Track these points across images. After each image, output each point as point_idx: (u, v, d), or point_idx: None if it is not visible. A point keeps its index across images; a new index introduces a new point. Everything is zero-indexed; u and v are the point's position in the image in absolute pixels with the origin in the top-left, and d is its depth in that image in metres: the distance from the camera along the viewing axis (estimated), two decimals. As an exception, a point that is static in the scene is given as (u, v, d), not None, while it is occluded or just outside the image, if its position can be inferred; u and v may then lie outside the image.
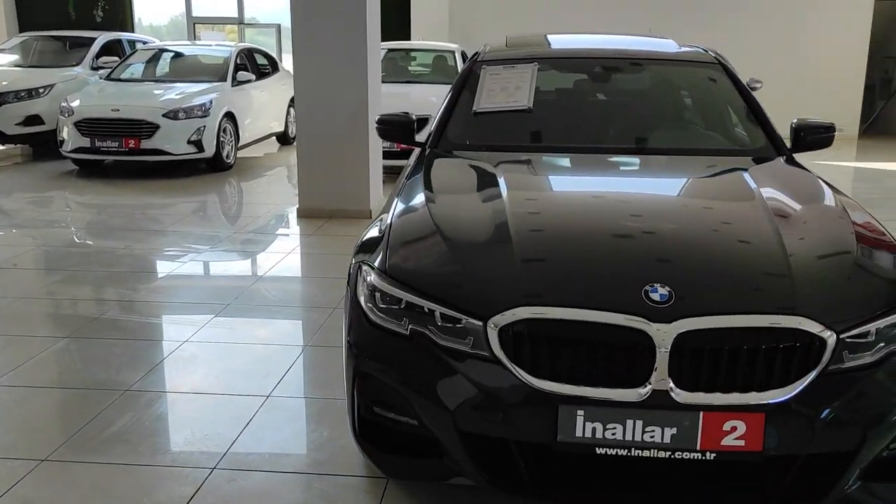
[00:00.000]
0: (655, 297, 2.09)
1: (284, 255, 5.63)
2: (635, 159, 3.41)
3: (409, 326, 2.25)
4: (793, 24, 12.50)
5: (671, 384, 2.02)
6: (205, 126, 8.97)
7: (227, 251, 5.76)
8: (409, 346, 2.24)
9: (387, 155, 7.47)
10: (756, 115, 3.54)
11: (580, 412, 2.05)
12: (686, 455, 2.04)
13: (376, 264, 2.43)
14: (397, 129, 3.64)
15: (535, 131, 3.59)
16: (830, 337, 2.04)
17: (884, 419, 2.06)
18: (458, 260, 2.35)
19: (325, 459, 2.81)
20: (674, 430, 2.03)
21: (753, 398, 2.01)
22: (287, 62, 12.55)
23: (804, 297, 2.10)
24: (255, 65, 10.92)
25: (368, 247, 2.63)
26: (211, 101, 9.16)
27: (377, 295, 2.34)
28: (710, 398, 2.02)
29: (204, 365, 3.62)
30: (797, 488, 2.09)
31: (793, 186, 2.92)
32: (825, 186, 2.94)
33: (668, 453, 2.05)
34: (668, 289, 2.10)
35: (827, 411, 2.03)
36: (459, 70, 9.59)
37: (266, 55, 11.64)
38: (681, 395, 2.02)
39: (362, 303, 2.39)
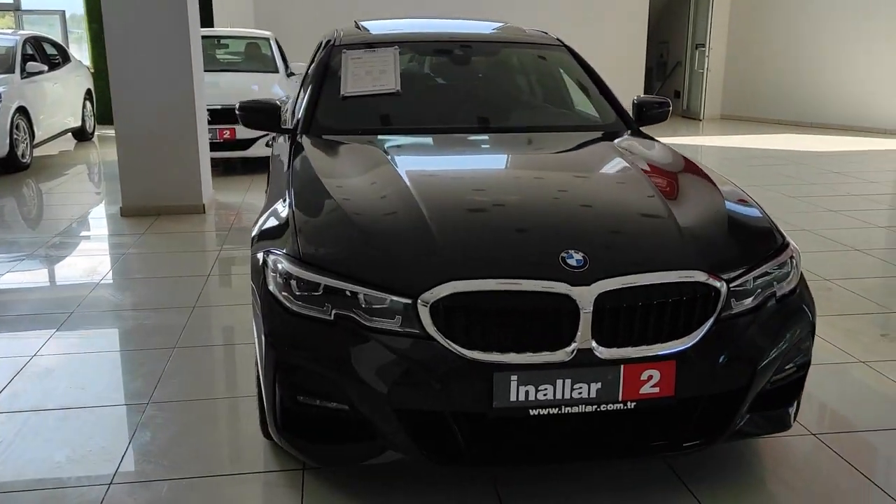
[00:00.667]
0: (572, 262, 2.22)
1: (120, 256, 5.26)
2: (509, 136, 3.56)
3: (333, 311, 2.23)
4: (580, 11, 13.33)
5: (593, 343, 2.16)
6: (-6, 123, 8.10)
7: (52, 258, 5.29)
8: (334, 331, 2.22)
9: (212, 147, 7.17)
10: (604, 93, 3.81)
11: (514, 377, 2.14)
12: (610, 406, 2.20)
13: (287, 251, 2.37)
14: (263, 116, 3.54)
15: (405, 113, 3.63)
16: (722, 287, 2.27)
17: (767, 356, 2.34)
18: (375, 241, 2.35)
19: (232, 459, 2.71)
20: (598, 385, 2.17)
21: (665, 348, 2.20)
22: (75, 52, 11.62)
23: (698, 253, 2.32)
24: (45, 55, 10.00)
25: (270, 235, 2.56)
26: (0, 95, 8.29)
27: (293, 283, 2.29)
28: (629, 352, 2.18)
29: (65, 378, 3.33)
30: (702, 427, 2.32)
31: (654, 155, 3.20)
32: (679, 154, 3.24)
33: (594, 407, 2.19)
34: (583, 254, 2.24)
35: (723, 353, 2.27)
36: (274, 58, 9.43)
37: (55, 44, 10.70)
38: (602, 352, 2.17)
39: (276, 293, 2.33)
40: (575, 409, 2.19)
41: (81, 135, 11.02)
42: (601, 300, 2.16)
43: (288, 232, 2.47)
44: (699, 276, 2.25)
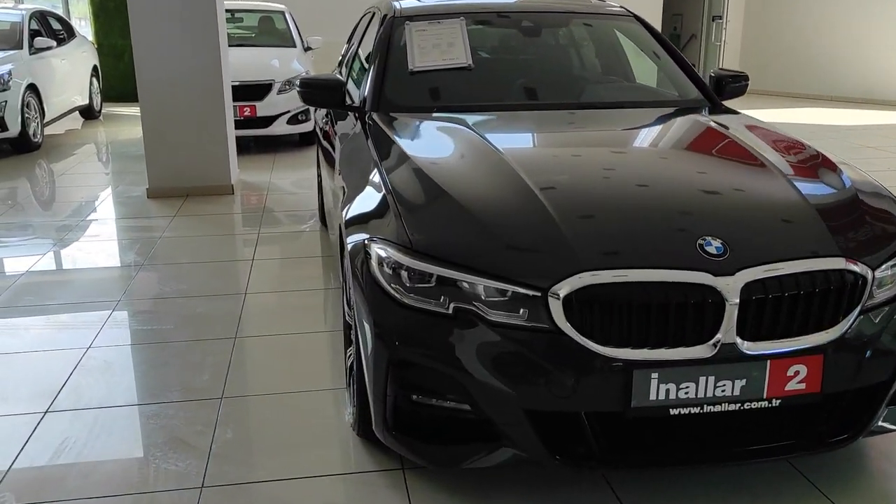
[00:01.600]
0: (711, 250, 2.06)
1: (155, 240, 5.06)
2: (596, 113, 3.37)
3: (451, 304, 2.06)
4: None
5: (737, 337, 2.01)
6: (6, 101, 7.85)
7: (84, 243, 5.09)
8: (454, 327, 2.06)
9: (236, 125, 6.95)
10: (683, 67, 3.62)
11: (654, 375, 1.98)
12: (754, 405, 2.05)
13: (393, 239, 2.20)
14: (327, 93, 3.35)
15: (479, 88, 3.44)
16: (867, 274, 2.12)
17: None
18: (493, 228, 2.17)
19: (323, 458, 2.55)
20: (743, 382, 2.02)
21: (812, 340, 2.05)
22: (77, 27, 11.31)
23: (841, 239, 2.16)
24: (51, 30, 9.71)
25: (365, 220, 2.39)
26: (10, 73, 8.02)
27: (403, 273, 2.13)
28: (775, 346, 2.03)
29: (126, 372, 3.16)
30: (845, 423, 2.17)
31: (758, 133, 3.02)
32: (782, 132, 3.07)
33: (738, 405, 2.04)
34: (721, 241, 2.08)
35: (869, 345, 2.12)
36: (291, 32, 9.17)
37: (60, 19, 10.40)
38: (747, 346, 2.01)
39: (384, 284, 2.16)
40: (717, 408, 2.04)
41: (89, 113, 10.74)
42: (746, 291, 2.00)
43: (389, 218, 2.30)
44: (845, 264, 2.09)
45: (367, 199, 2.50)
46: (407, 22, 3.58)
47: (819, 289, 2.06)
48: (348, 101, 3.48)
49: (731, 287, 1.99)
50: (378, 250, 2.22)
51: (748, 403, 2.05)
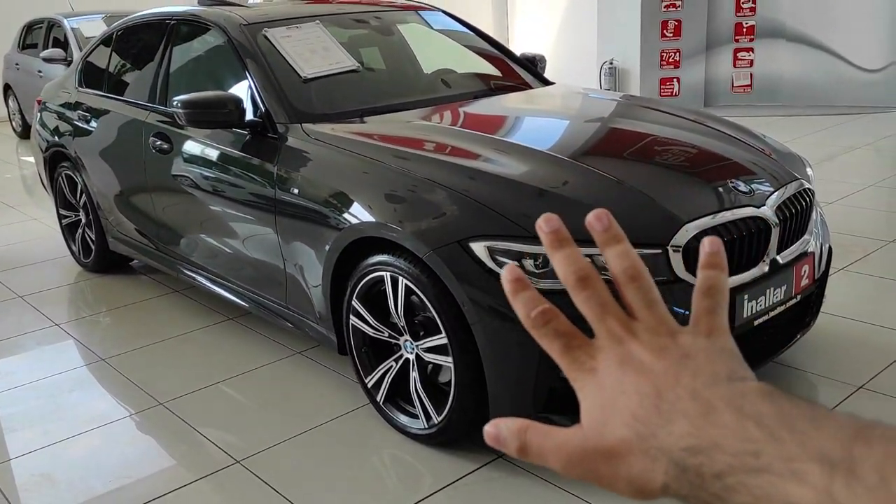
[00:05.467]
0: (743, 189, 2.54)
1: None
2: (513, 98, 3.57)
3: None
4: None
5: (774, 253, 2.54)
6: None
7: None
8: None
9: None
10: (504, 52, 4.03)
11: (745, 296, 2.42)
12: (789, 303, 2.61)
13: (502, 232, 2.28)
14: (222, 111, 3.04)
15: (383, 89, 3.43)
16: (813, 187, 2.82)
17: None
18: (584, 201, 2.37)
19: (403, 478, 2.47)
20: (784, 286, 2.56)
21: (808, 244, 2.68)
22: None
23: (793, 168, 2.84)
24: None
25: (442, 224, 2.42)
26: None
27: (528, 262, 2.22)
28: (793, 252, 2.61)
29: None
30: (815, 309, 2.88)
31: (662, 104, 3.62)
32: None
33: (783, 307, 2.58)
34: (742, 182, 2.58)
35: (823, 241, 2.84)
36: None
37: None
38: (781, 257, 2.56)
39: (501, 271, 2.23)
40: (774, 312, 2.55)
41: None
42: (778, 214, 2.53)
43: (478, 214, 2.35)
44: (808, 184, 2.77)
45: (422, 205, 2.47)
46: (266, 29, 3.37)
47: (805, 202, 2.69)
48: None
49: (769, 214, 2.50)
50: (483, 247, 2.26)
51: (787, 303, 2.60)
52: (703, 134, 2.99)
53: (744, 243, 2.43)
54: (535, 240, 2.24)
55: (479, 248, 2.27)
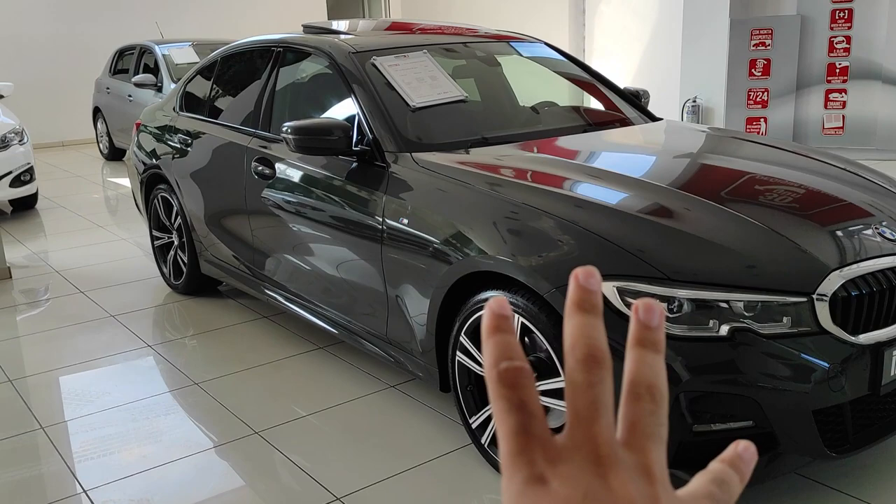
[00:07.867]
0: (888, 234, 2.37)
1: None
2: (610, 133, 3.45)
3: (721, 326, 2.09)
4: None
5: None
6: None
7: None
8: (731, 347, 2.09)
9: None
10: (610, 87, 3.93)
11: (894, 352, 2.23)
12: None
13: (637, 273, 2.15)
14: (333, 137, 3.01)
15: (486, 120, 3.36)
16: None
17: None
18: (719, 244, 2.24)
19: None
20: (933, 340, 2.37)
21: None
22: None
23: None
24: None
25: (559, 263, 2.30)
26: None
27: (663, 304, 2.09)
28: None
29: None
30: None
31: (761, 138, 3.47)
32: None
33: (931, 363, 2.39)
34: (888, 229, 2.41)
35: None
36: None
37: None
38: (931, 309, 2.37)
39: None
40: (921, 368, 2.36)
41: None
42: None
43: (606, 253, 2.23)
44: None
45: (542, 239, 2.37)
46: (374, 58, 3.34)
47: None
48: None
49: (916, 262, 2.33)
50: (613, 287, 2.14)
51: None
52: (842, 179, 2.82)
53: (894, 294, 2.26)
54: (670, 281, 2.13)
55: (607, 289, 2.16)
